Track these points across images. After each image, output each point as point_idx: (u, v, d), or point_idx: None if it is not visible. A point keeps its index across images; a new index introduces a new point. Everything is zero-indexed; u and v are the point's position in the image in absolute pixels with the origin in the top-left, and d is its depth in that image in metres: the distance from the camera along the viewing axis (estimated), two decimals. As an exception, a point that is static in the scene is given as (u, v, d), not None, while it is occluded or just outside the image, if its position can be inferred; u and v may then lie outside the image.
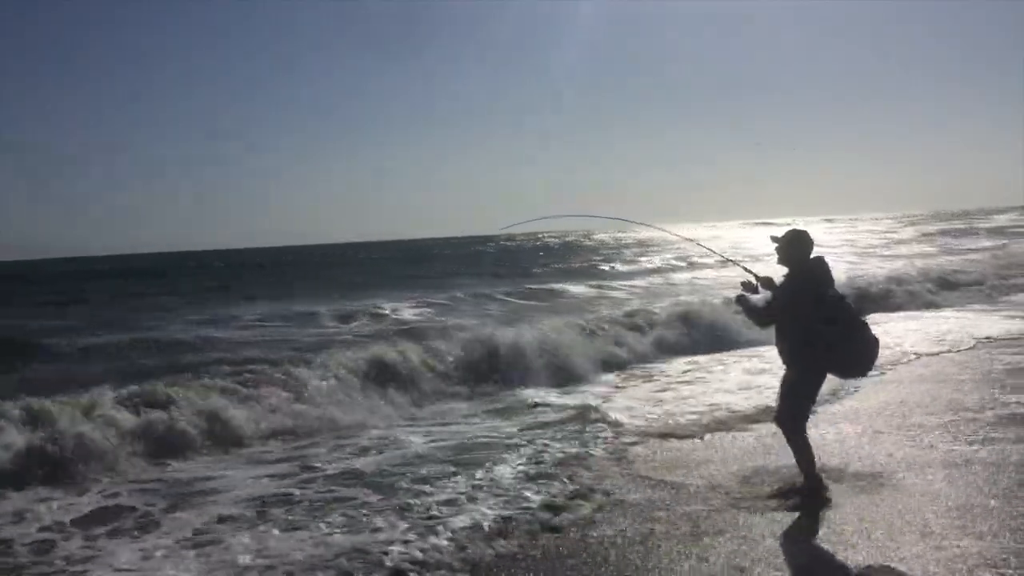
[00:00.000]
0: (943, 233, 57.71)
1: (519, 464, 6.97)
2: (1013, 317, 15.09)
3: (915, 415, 8.10)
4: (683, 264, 38.00)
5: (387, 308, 21.25)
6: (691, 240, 8.20)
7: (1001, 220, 76.16)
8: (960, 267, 23.84)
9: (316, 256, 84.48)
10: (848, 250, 40.79)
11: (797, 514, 5.50)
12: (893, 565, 4.54)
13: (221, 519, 5.93)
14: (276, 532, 5.59)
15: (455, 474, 6.72)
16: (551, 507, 5.84)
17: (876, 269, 25.61)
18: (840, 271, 17.81)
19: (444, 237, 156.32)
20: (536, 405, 9.55)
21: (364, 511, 5.92)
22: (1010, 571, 4.36)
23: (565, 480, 6.46)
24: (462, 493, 6.20)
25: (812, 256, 5.62)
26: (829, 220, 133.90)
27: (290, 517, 5.89)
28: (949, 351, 11.82)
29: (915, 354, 11.67)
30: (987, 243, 41.80)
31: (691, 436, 7.86)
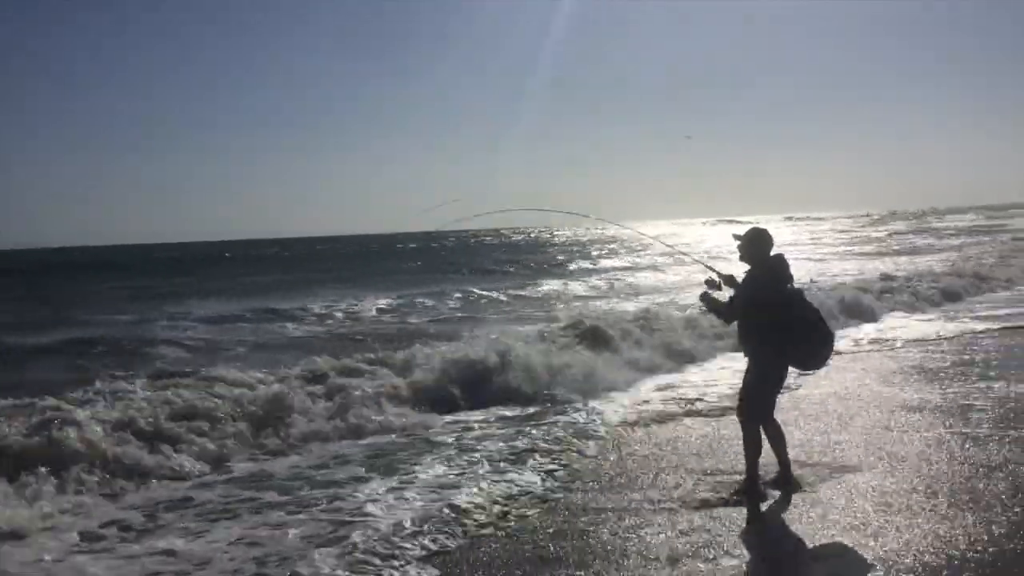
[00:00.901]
0: (900, 233, 58.68)
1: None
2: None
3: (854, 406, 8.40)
4: (640, 263, 37.78)
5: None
6: (656, 240, 8.44)
7: (961, 221, 77.54)
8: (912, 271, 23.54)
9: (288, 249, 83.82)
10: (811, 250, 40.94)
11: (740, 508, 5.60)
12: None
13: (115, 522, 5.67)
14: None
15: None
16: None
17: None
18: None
19: (396, 233, 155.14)
20: None
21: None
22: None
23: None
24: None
25: (772, 253, 5.79)
26: (789, 218, 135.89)
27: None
28: (880, 350, 12.11)
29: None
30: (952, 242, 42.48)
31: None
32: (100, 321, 20.15)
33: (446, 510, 5.58)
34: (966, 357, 10.91)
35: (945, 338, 12.83)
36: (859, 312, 15.39)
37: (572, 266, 41.87)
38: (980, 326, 13.82)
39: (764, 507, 5.56)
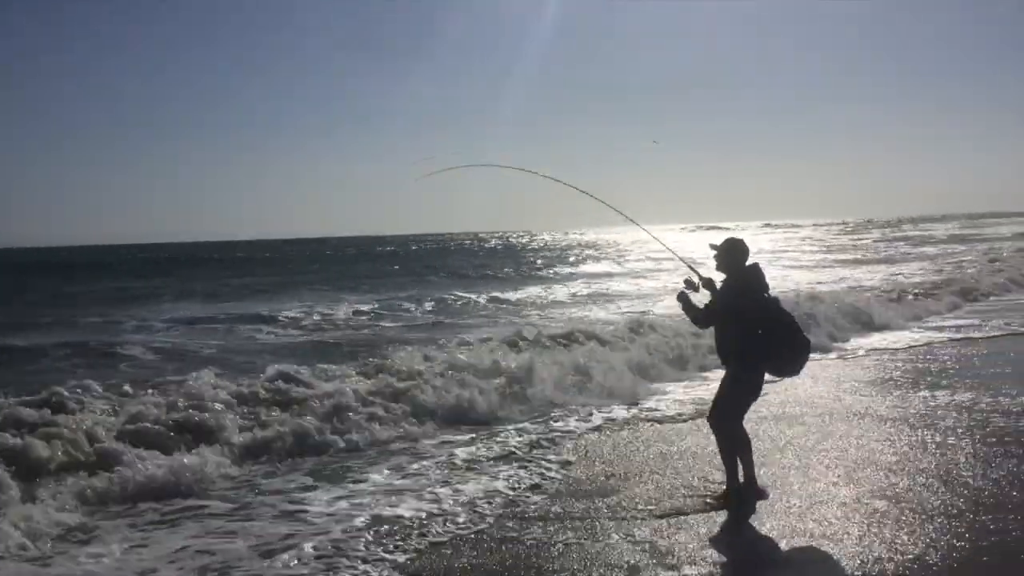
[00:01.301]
0: (886, 241, 58.86)
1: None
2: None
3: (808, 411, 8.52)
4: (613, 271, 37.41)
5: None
6: (648, 233, 7.67)
7: (936, 230, 78.16)
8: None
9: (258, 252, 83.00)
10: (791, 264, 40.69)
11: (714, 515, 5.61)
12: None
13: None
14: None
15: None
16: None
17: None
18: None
19: (382, 235, 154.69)
20: None
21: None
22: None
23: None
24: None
25: (748, 263, 5.87)
26: (768, 225, 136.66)
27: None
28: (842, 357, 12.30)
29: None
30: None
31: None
32: (70, 322, 19.78)
33: (401, 516, 5.52)
34: (929, 367, 10.97)
35: (911, 347, 12.88)
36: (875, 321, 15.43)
37: (551, 271, 41.45)
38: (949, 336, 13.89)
39: (733, 516, 5.56)
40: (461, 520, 5.53)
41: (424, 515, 5.61)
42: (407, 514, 5.62)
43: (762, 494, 5.83)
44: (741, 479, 5.85)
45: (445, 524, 5.45)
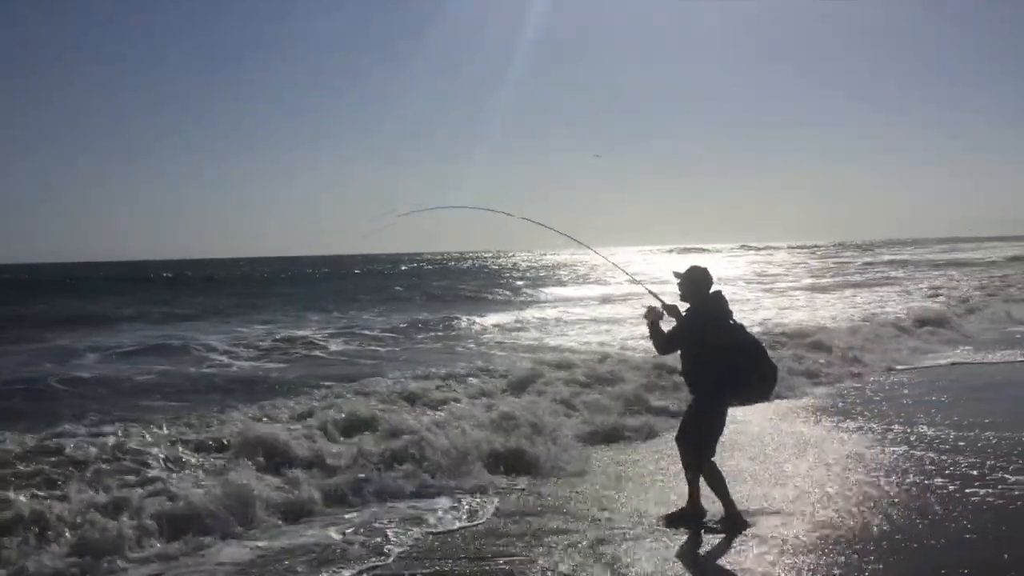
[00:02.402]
0: (869, 264, 57.94)
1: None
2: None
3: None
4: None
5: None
6: (609, 261, 7.93)
7: (901, 255, 77.93)
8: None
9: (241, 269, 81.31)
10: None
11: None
12: None
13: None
14: None
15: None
16: None
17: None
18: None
19: (355, 254, 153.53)
20: None
21: None
22: None
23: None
24: None
25: (711, 291, 5.86)
26: (744, 247, 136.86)
27: None
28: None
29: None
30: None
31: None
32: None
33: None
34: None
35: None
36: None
37: (521, 296, 38.67)
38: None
39: (689, 541, 5.58)
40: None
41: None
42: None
43: (745, 523, 5.75)
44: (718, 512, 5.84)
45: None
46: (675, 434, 6.17)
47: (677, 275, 5.94)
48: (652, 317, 5.87)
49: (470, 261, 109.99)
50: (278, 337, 19.00)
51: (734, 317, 5.87)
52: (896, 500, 6.25)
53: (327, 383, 11.58)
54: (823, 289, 34.13)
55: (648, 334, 5.96)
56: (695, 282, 5.86)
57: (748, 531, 5.65)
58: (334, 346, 17.74)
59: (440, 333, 20.62)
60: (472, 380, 11.01)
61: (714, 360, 5.64)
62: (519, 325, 21.94)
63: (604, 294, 34.21)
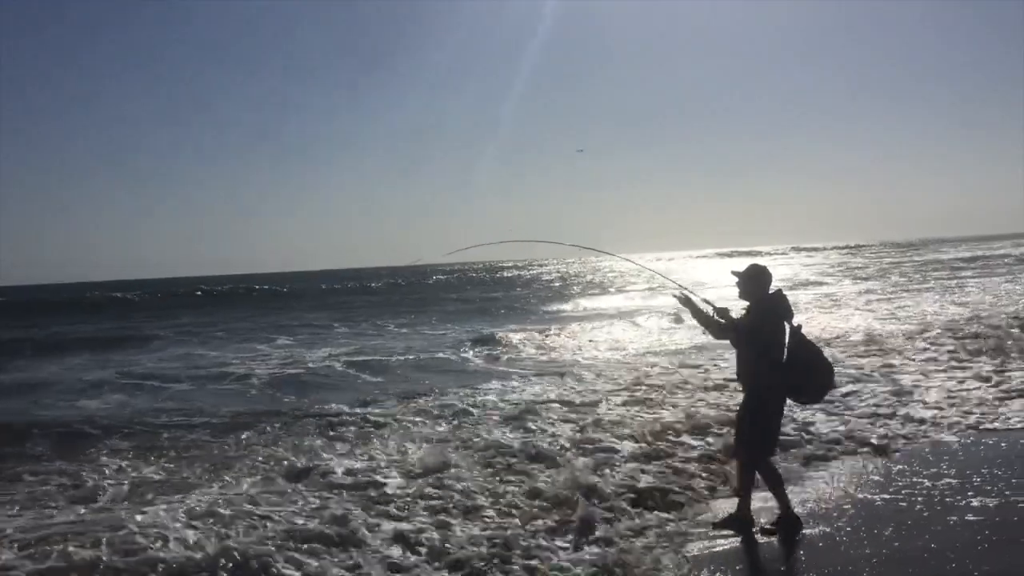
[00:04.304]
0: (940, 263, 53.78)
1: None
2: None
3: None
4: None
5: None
6: (654, 271, 8.14)
7: (957, 251, 74.48)
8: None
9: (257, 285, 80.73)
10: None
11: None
12: None
13: None
14: None
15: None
16: None
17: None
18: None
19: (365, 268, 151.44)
20: None
21: None
22: None
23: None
24: None
25: (772, 290, 5.86)
26: (795, 248, 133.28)
27: None
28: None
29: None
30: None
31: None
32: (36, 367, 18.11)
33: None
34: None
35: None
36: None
37: (547, 307, 35.45)
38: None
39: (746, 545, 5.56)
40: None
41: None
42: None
43: (799, 523, 5.74)
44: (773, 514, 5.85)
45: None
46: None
47: (736, 274, 5.94)
48: (696, 311, 5.91)
49: (521, 272, 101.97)
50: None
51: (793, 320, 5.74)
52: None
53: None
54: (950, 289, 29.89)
55: (692, 316, 5.96)
56: (756, 279, 5.85)
57: (803, 532, 5.68)
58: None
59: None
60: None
61: (772, 357, 5.62)
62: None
63: (639, 306, 30.54)
